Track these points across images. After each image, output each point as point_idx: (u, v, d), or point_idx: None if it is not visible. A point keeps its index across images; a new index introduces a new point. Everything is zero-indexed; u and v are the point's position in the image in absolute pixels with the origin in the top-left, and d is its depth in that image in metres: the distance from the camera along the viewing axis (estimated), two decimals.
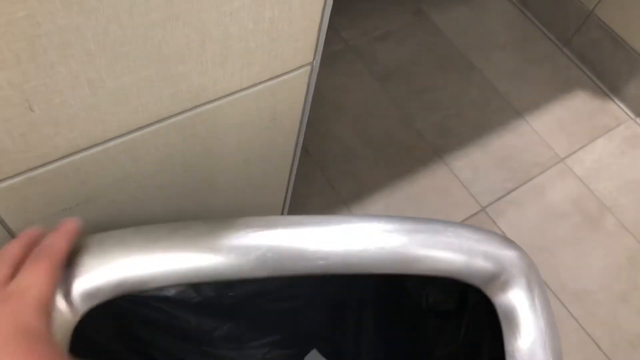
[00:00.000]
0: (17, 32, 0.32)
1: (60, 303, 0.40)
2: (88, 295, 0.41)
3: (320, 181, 1.32)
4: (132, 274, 0.43)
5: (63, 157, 0.44)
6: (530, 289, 0.48)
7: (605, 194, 1.39)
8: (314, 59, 0.54)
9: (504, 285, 0.48)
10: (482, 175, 1.38)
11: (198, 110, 0.49)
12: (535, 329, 0.47)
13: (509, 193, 1.37)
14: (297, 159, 0.71)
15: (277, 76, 0.52)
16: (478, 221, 1.32)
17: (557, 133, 1.47)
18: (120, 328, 0.56)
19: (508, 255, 0.49)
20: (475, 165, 1.39)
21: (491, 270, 0.48)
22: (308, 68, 0.54)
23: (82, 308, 0.41)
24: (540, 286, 0.50)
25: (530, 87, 1.54)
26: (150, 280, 0.43)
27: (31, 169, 0.43)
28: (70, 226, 0.40)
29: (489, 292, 0.49)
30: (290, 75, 0.53)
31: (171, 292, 0.53)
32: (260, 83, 0.51)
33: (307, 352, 0.78)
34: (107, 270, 0.42)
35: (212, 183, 0.63)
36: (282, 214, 0.87)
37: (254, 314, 0.62)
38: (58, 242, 0.38)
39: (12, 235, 0.49)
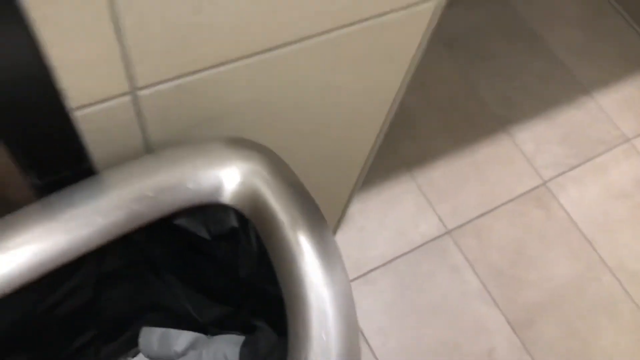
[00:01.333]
0: None
1: None
2: None
3: (382, 144, 1.31)
4: None
5: (211, 67, 0.44)
6: (268, 182, 0.45)
7: None
8: None
9: (245, 193, 0.45)
10: (545, 149, 1.36)
11: (334, 33, 0.48)
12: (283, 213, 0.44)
13: (572, 169, 1.35)
14: (395, 106, 0.71)
15: (406, 7, 0.51)
16: (539, 194, 1.30)
17: (625, 112, 1.43)
18: None
19: (242, 162, 0.45)
20: (539, 139, 1.37)
21: (222, 184, 0.45)
22: (434, 2, 0.53)
23: None
24: (279, 174, 0.46)
25: (598, 63, 1.50)
26: None
27: (180, 76, 0.44)
28: None
29: (234, 204, 0.45)
30: (418, 8, 0.53)
31: None
32: (391, 12, 0.51)
33: (137, 334, 0.70)
34: None
35: (314, 119, 0.63)
36: (362, 167, 0.87)
37: (45, 329, 0.55)
38: None
39: (148, 148, 0.49)
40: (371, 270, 1.15)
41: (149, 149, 0.50)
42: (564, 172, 1.34)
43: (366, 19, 0.49)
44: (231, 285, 0.57)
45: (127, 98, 0.43)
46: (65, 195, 0.43)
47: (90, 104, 0.42)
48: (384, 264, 1.17)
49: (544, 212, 1.28)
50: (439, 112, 1.36)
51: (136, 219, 0.43)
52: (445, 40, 1.46)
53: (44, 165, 0.45)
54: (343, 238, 1.17)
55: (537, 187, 1.31)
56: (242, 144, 0.47)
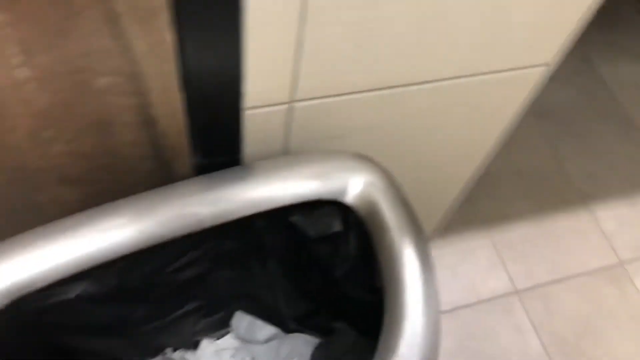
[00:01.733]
0: None
1: None
2: None
3: (464, 198, 1.38)
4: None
5: (351, 93, 0.55)
6: (386, 193, 0.53)
7: None
8: (552, 61, 0.61)
9: (365, 198, 0.53)
10: (626, 231, 1.37)
11: (455, 81, 0.58)
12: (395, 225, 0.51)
13: None
14: (486, 160, 0.79)
15: (518, 68, 0.60)
16: (614, 273, 1.31)
17: None
18: (41, 342, 0.58)
19: (366, 174, 0.54)
20: (621, 220, 1.38)
21: (348, 186, 0.53)
22: (544, 68, 0.62)
23: None
24: (396, 190, 0.54)
25: None
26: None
27: (328, 96, 0.55)
28: None
29: (353, 206, 0.53)
30: (527, 71, 0.61)
31: (74, 293, 0.53)
32: (505, 70, 0.60)
33: (232, 315, 0.78)
34: None
35: (419, 156, 0.72)
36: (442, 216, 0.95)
37: (162, 289, 0.63)
38: None
39: (285, 151, 0.60)
40: None
41: (285, 151, 0.61)
42: None
43: (484, 73, 0.59)
44: (328, 282, 0.66)
45: (284, 107, 0.54)
46: (217, 176, 0.55)
47: (258, 107, 0.53)
48: (449, 310, 1.21)
49: (617, 291, 1.28)
50: (522, 178, 1.41)
51: (272, 202, 0.53)
52: (537, 112, 1.53)
53: (209, 149, 0.56)
54: None
55: (612, 266, 1.32)
56: (366, 160, 0.57)
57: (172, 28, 0.42)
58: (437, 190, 0.88)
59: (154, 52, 0.43)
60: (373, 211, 0.53)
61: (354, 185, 0.54)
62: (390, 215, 0.53)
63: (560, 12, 0.54)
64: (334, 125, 0.60)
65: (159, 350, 0.76)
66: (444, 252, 1.30)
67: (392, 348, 0.47)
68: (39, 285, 0.46)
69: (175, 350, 0.77)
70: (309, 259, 0.65)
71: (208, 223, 0.52)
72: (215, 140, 0.55)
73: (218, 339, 0.80)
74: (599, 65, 1.64)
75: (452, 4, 0.49)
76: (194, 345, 0.78)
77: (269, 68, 0.49)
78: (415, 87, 0.58)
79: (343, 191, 0.54)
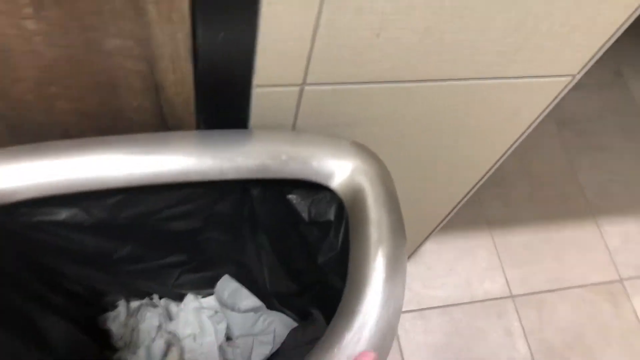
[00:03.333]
0: None
1: None
2: None
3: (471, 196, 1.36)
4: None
5: (366, 82, 0.54)
6: (373, 185, 0.52)
7: None
8: (578, 73, 0.59)
9: (351, 185, 0.52)
10: (631, 248, 1.35)
11: (476, 82, 0.56)
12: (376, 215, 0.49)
13: None
14: (498, 163, 0.77)
15: (542, 76, 0.58)
16: (612, 289, 1.29)
17: None
18: (26, 258, 0.59)
19: (357, 161, 0.53)
20: (626, 237, 1.36)
21: (335, 171, 0.52)
22: (569, 79, 0.60)
23: None
24: (383, 183, 0.52)
25: None
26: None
27: (340, 83, 0.53)
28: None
29: (338, 191, 0.52)
30: (551, 79, 0.59)
31: (62, 216, 0.54)
32: (527, 77, 0.58)
33: (218, 277, 0.78)
34: None
35: (429, 155, 0.71)
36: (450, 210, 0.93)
37: (151, 234, 0.63)
38: None
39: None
40: (428, 308, 1.20)
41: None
42: None
43: (506, 78, 0.57)
44: (310, 267, 0.65)
45: (296, 89, 0.53)
46: (220, 133, 0.54)
47: (268, 85, 0.52)
48: (442, 306, 1.21)
49: (612, 307, 1.27)
50: (533, 183, 1.39)
51: (264, 172, 0.52)
52: (559, 119, 1.50)
53: (214, 123, 0.55)
54: (410, 271, 1.23)
55: (612, 281, 1.31)
56: (362, 148, 0.55)
57: None
58: (444, 190, 0.87)
59: (169, 18, 0.42)
60: (357, 199, 0.52)
61: (340, 171, 0.53)
62: (373, 208, 0.51)
63: (593, 26, 0.52)
64: (343, 113, 0.58)
65: (144, 294, 0.77)
66: (444, 247, 1.29)
67: (335, 341, 0.45)
68: (22, 197, 0.46)
69: (161, 298, 0.78)
70: (299, 240, 0.65)
71: (193, 177, 0.51)
72: (222, 115, 0.55)
73: (204, 297, 0.80)
74: (630, 80, 1.59)
75: (482, 1, 0.47)
76: (180, 298, 0.79)
77: (284, 47, 0.48)
78: (432, 84, 0.56)
79: (330, 176, 0.53)
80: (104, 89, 0.47)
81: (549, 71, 0.58)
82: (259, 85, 0.52)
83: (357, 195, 0.52)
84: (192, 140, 0.52)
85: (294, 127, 0.59)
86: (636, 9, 0.51)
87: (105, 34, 0.42)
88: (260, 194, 0.61)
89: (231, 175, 0.51)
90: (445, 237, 1.29)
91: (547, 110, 0.66)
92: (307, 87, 0.53)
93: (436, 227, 1.03)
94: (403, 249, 0.51)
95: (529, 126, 0.69)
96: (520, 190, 1.37)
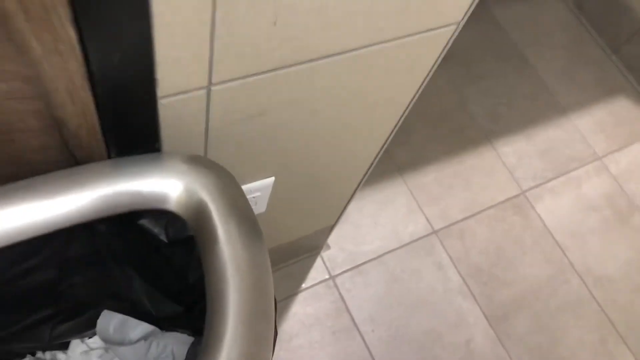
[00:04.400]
0: None
1: None
2: None
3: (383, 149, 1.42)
4: None
5: (271, 70, 0.53)
6: (213, 196, 0.48)
7: (636, 193, 1.49)
8: (462, 19, 0.63)
9: (191, 205, 0.49)
10: (525, 163, 1.48)
11: (373, 47, 0.58)
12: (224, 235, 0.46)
13: (548, 181, 1.47)
14: (405, 114, 0.80)
15: (431, 29, 0.61)
16: (518, 203, 1.42)
17: (597, 133, 1.57)
18: None
19: (194, 178, 0.49)
20: (520, 153, 1.49)
21: (169, 192, 0.48)
22: (454, 27, 0.63)
23: None
24: (225, 191, 0.49)
25: (577, 88, 1.63)
26: None
27: (246, 76, 0.52)
28: None
29: (179, 212, 0.49)
30: (440, 30, 0.62)
31: None
32: (418, 33, 0.60)
33: (96, 316, 0.72)
34: None
35: (340, 123, 0.73)
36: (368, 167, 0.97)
37: (5, 296, 0.58)
38: None
39: (208, 133, 0.58)
40: (364, 263, 1.25)
41: (208, 134, 0.58)
42: (541, 184, 1.46)
43: (399, 38, 0.59)
44: (183, 287, 0.62)
45: (202, 92, 0.52)
46: (49, 178, 0.47)
47: (174, 94, 0.50)
48: (375, 258, 1.26)
49: (521, 219, 1.40)
50: (431, 123, 1.47)
51: (99, 212, 0.47)
52: None
53: (125, 144, 0.53)
54: (340, 233, 1.27)
55: (516, 196, 1.43)
56: (198, 161, 0.51)
57: (73, 23, 0.37)
58: (358, 152, 0.89)
59: (55, 50, 0.39)
60: (201, 215, 0.48)
61: (172, 190, 0.49)
62: (218, 221, 0.47)
63: None
64: (254, 104, 0.58)
65: (25, 354, 0.71)
66: (365, 203, 1.34)
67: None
68: None
69: (44, 351, 0.72)
70: (165, 262, 0.61)
71: (36, 231, 0.45)
72: (131, 134, 0.52)
73: (90, 337, 0.74)
74: (492, 8, 1.70)
75: None
76: (66, 346, 0.73)
77: (183, 53, 0.46)
78: (333, 59, 0.57)
79: (164, 198, 0.48)
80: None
81: (438, 23, 0.61)
82: (163, 97, 0.50)
83: (199, 210, 0.48)
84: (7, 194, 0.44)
85: (206, 130, 0.58)
86: None
87: None
88: (109, 228, 0.57)
89: (61, 224, 0.46)
90: (364, 193, 1.33)
91: (440, 59, 0.69)
92: (214, 88, 0.52)
93: (357, 187, 1.06)
94: (262, 252, 0.48)
95: (426, 77, 0.72)
96: (421, 133, 1.45)
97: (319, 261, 1.23)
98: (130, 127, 0.51)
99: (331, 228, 1.16)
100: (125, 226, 0.55)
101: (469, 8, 0.61)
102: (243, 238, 0.47)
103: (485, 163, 1.45)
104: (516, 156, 1.48)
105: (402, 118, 0.81)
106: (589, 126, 1.58)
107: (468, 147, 1.46)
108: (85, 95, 0.44)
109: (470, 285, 1.28)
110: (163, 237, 0.57)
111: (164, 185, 0.49)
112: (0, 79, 0.38)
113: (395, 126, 0.83)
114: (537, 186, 1.46)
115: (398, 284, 1.25)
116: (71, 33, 0.38)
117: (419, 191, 1.37)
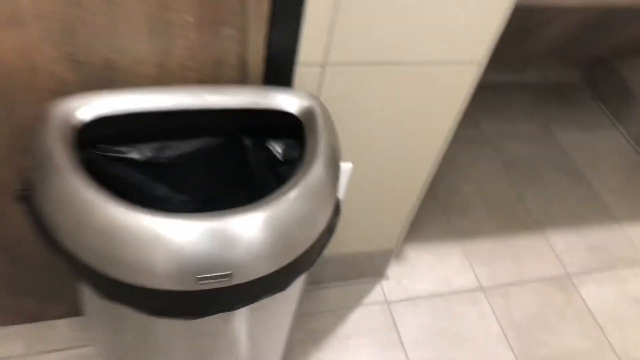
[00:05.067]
0: None
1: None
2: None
3: (441, 218, 1.71)
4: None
5: (378, 64, 0.92)
6: (318, 110, 0.81)
7: None
8: (483, 59, 0.99)
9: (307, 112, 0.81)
10: (573, 253, 1.68)
11: (409, 67, 0.95)
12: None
13: (594, 272, 1.64)
14: (444, 147, 1.14)
15: (454, 61, 0.98)
16: (562, 283, 1.60)
17: None
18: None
19: (308, 99, 0.82)
20: (569, 244, 1.70)
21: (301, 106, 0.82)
22: (476, 66, 0.99)
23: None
24: (324, 110, 0.82)
25: (630, 204, 1.85)
26: None
27: (352, 64, 0.92)
28: None
29: (298, 116, 0.81)
30: (462, 67, 0.99)
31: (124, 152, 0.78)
32: (444, 62, 0.97)
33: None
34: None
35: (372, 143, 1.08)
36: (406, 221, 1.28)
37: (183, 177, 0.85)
38: None
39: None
40: (416, 298, 1.48)
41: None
42: (586, 273, 1.64)
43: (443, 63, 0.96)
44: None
45: (318, 68, 0.91)
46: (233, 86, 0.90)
47: (303, 64, 0.90)
48: (427, 296, 1.49)
49: (564, 296, 1.57)
50: (489, 205, 1.75)
51: (252, 104, 0.88)
52: (503, 162, 1.90)
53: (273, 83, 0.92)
54: (399, 270, 1.53)
55: (561, 277, 1.62)
56: (312, 95, 0.85)
57: (270, 10, 0.79)
58: (418, 157, 1.22)
59: (259, 18, 0.81)
60: (309, 118, 0.82)
61: (300, 102, 0.84)
62: (320, 121, 0.81)
63: (484, 15, 0.92)
64: (357, 89, 0.96)
65: None
66: (424, 253, 1.61)
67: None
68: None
69: None
70: (277, 176, 0.94)
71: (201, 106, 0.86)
72: (278, 80, 0.91)
73: None
74: (556, 132, 2.04)
75: None
76: None
77: (311, 38, 0.86)
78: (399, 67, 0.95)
79: (290, 104, 0.83)
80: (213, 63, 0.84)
81: (461, 56, 0.97)
82: (298, 64, 0.89)
83: (309, 112, 0.82)
84: (209, 90, 0.82)
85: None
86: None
87: (223, 25, 0.80)
88: (253, 145, 0.92)
89: (234, 106, 0.81)
90: (424, 247, 1.61)
91: (471, 91, 1.04)
92: (327, 68, 0.91)
93: (415, 201, 1.34)
94: (337, 141, 0.82)
95: (462, 103, 1.07)
96: (480, 210, 1.73)
97: (378, 287, 1.49)
98: (279, 75, 0.91)
99: (390, 254, 1.44)
100: (260, 144, 0.93)
101: (488, 49, 0.98)
102: (329, 129, 0.83)
103: (535, 244, 1.67)
104: (565, 245, 1.69)
105: (442, 153, 1.14)
106: (638, 234, 1.76)
107: (520, 231, 1.71)
108: (262, 53, 0.85)
109: (509, 337, 1.45)
110: (280, 157, 0.93)
111: (293, 97, 0.85)
112: (230, 25, 0.80)
113: (439, 153, 1.16)
114: (582, 273, 1.64)
115: (444, 321, 1.46)
116: (266, 15, 0.80)
117: (472, 255, 1.61)
